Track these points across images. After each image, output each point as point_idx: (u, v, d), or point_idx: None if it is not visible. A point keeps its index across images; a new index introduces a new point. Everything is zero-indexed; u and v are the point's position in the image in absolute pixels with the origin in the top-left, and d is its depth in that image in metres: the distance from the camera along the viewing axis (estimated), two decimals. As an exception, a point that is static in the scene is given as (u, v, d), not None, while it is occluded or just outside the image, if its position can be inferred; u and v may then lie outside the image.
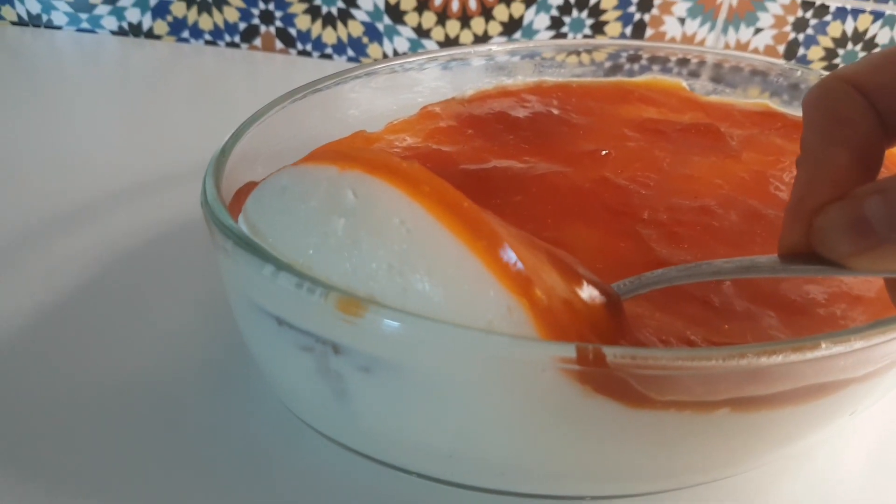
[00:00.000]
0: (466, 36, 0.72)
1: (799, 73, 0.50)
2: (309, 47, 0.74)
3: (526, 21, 0.70)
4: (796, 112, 0.49)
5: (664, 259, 0.34)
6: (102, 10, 0.74)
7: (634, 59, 0.53)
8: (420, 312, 0.22)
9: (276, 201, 0.26)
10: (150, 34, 0.75)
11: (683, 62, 0.53)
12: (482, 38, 0.72)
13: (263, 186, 0.27)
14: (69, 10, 0.74)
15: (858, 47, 0.70)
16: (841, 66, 0.70)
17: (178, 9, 0.73)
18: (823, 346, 0.22)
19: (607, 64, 0.53)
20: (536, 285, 0.23)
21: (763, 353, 0.22)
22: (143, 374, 0.34)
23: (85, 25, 0.75)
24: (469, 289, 0.22)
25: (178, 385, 0.34)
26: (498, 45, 0.49)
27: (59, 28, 0.75)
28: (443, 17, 0.71)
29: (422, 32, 0.72)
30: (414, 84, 0.46)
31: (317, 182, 0.25)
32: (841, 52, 0.70)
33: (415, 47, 0.73)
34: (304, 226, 0.24)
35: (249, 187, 0.32)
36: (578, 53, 0.52)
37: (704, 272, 0.26)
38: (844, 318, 0.29)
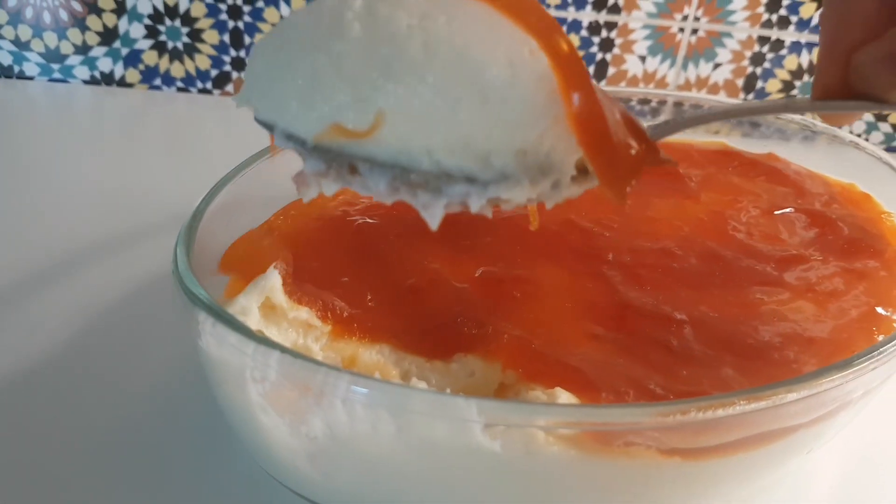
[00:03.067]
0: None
1: (754, 112, 0.52)
2: (281, 91, 0.75)
3: (492, 62, 0.72)
4: (752, 149, 0.51)
5: (629, 301, 0.36)
6: (74, 59, 0.75)
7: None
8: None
9: (292, 14, 0.26)
10: (122, 83, 0.76)
11: (644, 103, 0.55)
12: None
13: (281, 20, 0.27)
14: (41, 60, 0.75)
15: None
16: (798, 97, 0.73)
17: (149, 57, 0.74)
18: (766, 398, 0.24)
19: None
20: (558, 35, 0.23)
21: (701, 408, 0.23)
22: (118, 433, 0.34)
23: (57, 75, 0.76)
24: (489, 31, 0.22)
25: (154, 444, 0.34)
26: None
27: (31, 78, 0.76)
28: (411, 59, 0.72)
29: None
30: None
31: None
32: (798, 83, 0.73)
33: (385, 89, 0.74)
34: (319, 13, 0.24)
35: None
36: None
37: (743, 109, 0.27)
38: (797, 361, 0.31)
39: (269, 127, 0.24)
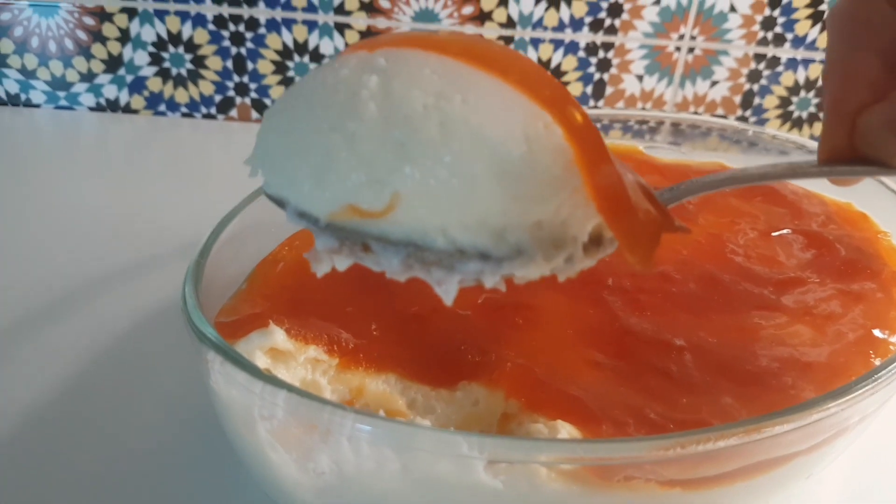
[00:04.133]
0: (436, 99, 0.74)
1: (750, 132, 0.53)
2: (283, 115, 0.76)
3: (492, 83, 0.73)
4: (750, 169, 0.52)
5: (629, 327, 0.36)
6: (80, 87, 0.76)
7: (596, 121, 0.55)
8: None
9: (304, 84, 0.25)
10: (127, 109, 0.77)
11: (642, 123, 0.55)
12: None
13: (290, 87, 0.26)
14: (47, 88, 0.76)
15: (811, 94, 0.73)
16: (795, 113, 0.74)
17: (154, 84, 0.75)
18: (763, 429, 0.24)
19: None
20: (572, 107, 0.23)
21: (700, 441, 0.23)
22: (129, 466, 0.35)
23: (63, 103, 0.77)
24: (504, 109, 0.22)
25: (166, 477, 0.35)
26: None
27: (37, 106, 0.77)
28: (412, 82, 0.73)
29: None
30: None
31: (347, 59, 0.24)
32: (795, 99, 0.73)
33: (386, 112, 0.75)
34: (334, 89, 0.23)
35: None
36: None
37: (750, 176, 0.27)
38: (795, 387, 0.31)
39: (281, 203, 0.24)
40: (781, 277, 0.39)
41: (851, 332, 0.35)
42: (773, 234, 0.44)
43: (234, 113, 0.76)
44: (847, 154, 0.25)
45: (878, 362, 0.33)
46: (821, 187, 0.49)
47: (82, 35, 0.73)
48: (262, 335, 0.30)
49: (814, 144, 0.50)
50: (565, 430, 0.27)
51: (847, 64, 0.25)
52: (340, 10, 0.70)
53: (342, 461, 0.25)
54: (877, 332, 0.35)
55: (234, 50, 0.73)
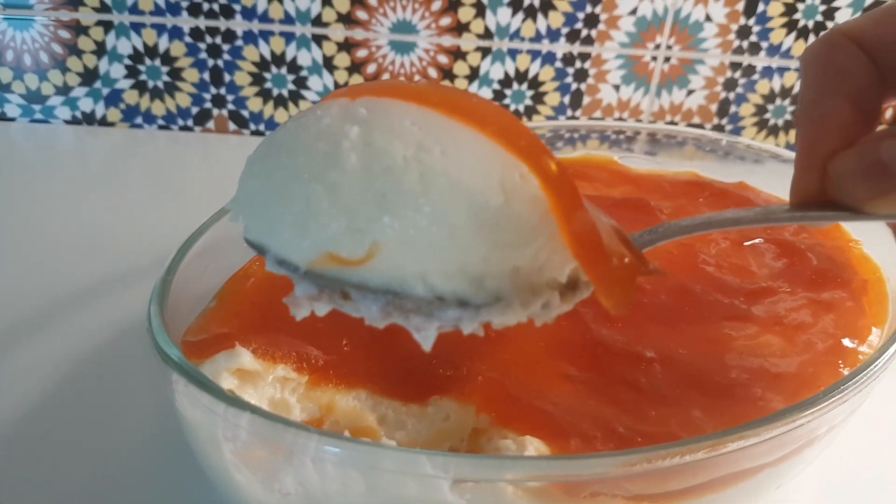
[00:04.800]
0: (414, 110, 0.74)
1: (724, 141, 0.53)
2: (262, 127, 0.76)
3: (470, 94, 0.73)
4: (724, 178, 0.52)
5: (601, 338, 0.36)
6: (55, 100, 0.75)
7: (573, 131, 0.56)
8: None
9: (285, 131, 0.25)
10: (103, 122, 0.76)
11: (619, 133, 0.56)
12: (429, 112, 0.74)
13: (272, 134, 0.27)
14: (22, 101, 0.75)
15: (787, 102, 0.74)
16: (771, 120, 0.74)
17: (130, 96, 0.75)
18: (730, 443, 0.24)
19: (546, 137, 0.55)
20: (546, 157, 0.24)
21: (666, 456, 0.23)
22: (100, 483, 0.35)
23: (38, 116, 0.76)
24: (482, 160, 0.23)
25: (136, 494, 0.34)
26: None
27: (12, 120, 0.76)
28: (390, 93, 0.73)
29: (371, 108, 0.74)
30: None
31: (328, 107, 0.25)
32: (770, 107, 0.74)
33: (365, 123, 0.75)
34: (316, 138, 0.24)
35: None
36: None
37: (725, 220, 0.27)
38: (763, 398, 0.31)
39: (261, 250, 0.24)
40: (752, 287, 0.39)
41: (821, 342, 0.35)
42: (746, 243, 0.44)
43: (211, 125, 0.76)
44: (817, 198, 0.25)
45: (846, 372, 0.33)
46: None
47: (58, 48, 0.72)
48: (228, 357, 0.29)
49: (788, 154, 0.51)
50: (533, 445, 0.27)
51: (819, 109, 0.25)
52: (318, 21, 0.70)
53: (307, 482, 0.25)
54: (846, 342, 0.35)
55: (210, 62, 0.73)
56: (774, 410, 0.29)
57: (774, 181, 0.51)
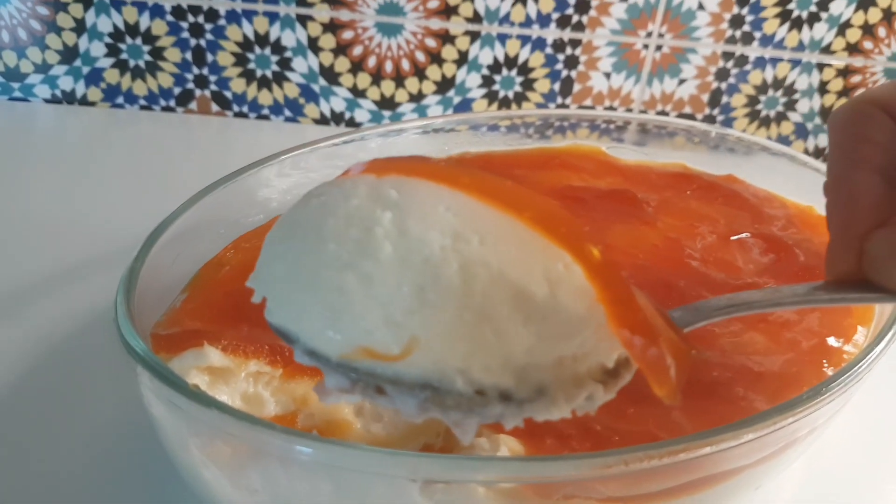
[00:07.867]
0: (402, 95, 0.73)
1: (714, 133, 0.52)
2: (245, 109, 0.74)
3: (458, 80, 0.72)
4: (713, 170, 0.51)
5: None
6: (34, 78, 0.73)
7: (562, 119, 0.55)
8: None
9: (312, 210, 0.24)
10: (83, 101, 0.75)
11: (609, 122, 0.55)
12: (417, 97, 0.73)
13: (293, 208, 0.25)
14: (0, 79, 0.74)
15: (779, 93, 0.73)
16: (763, 111, 0.74)
17: (111, 75, 0.73)
18: (707, 446, 0.23)
19: (536, 125, 0.54)
20: (588, 244, 0.23)
21: (637, 459, 0.23)
22: (69, 477, 0.34)
23: (17, 94, 0.74)
24: (523, 250, 0.22)
25: (105, 488, 0.33)
26: (420, 121, 0.50)
27: (-10, 97, 0.75)
28: (377, 77, 0.72)
29: (357, 93, 0.73)
30: (335, 159, 0.46)
31: (355, 186, 0.23)
32: (762, 98, 0.73)
33: (351, 107, 0.74)
34: (346, 223, 0.22)
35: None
36: (511, 120, 0.54)
37: (767, 302, 0.27)
38: (745, 398, 0.31)
39: (286, 337, 0.23)
40: (738, 283, 0.39)
41: (806, 341, 0.35)
42: (733, 237, 0.43)
43: (193, 106, 0.74)
44: (855, 277, 0.24)
45: (831, 371, 0.33)
46: (784, 190, 0.49)
47: (36, 25, 0.71)
48: (197, 355, 0.29)
49: (778, 147, 0.50)
50: (507, 445, 0.26)
51: (849, 185, 0.24)
52: (302, 1, 0.69)
53: (274, 481, 0.24)
54: (831, 341, 0.35)
55: (193, 41, 0.71)
56: (757, 411, 0.28)
57: (764, 174, 0.50)
